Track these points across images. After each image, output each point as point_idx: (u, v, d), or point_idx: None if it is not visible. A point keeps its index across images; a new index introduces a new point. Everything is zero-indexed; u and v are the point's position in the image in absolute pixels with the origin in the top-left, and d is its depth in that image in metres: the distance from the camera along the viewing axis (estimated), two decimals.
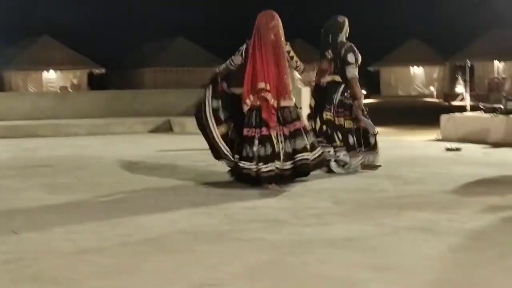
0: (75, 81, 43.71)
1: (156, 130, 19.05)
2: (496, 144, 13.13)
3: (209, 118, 8.76)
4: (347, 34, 9.74)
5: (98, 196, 7.97)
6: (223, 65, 8.97)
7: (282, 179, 8.38)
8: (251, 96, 8.48)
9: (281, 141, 8.40)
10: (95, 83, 43.38)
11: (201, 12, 49.70)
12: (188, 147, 13.78)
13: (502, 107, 14.31)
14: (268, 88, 8.39)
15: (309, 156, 8.52)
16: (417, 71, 44.86)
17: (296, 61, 8.87)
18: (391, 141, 11.91)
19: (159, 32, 45.01)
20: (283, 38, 8.66)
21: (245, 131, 8.47)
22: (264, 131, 8.38)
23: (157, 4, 50.34)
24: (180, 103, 22.23)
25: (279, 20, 8.68)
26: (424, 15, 47.20)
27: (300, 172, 8.63)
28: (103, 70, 44.18)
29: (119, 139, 16.33)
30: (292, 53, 8.77)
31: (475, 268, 4.79)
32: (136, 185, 8.74)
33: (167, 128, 19.32)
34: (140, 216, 6.73)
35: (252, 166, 8.30)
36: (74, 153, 12.94)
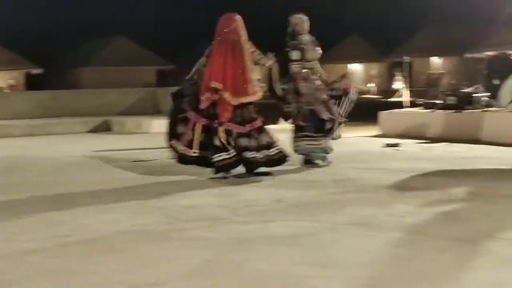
0: (12, 81, 43.12)
1: (95, 130, 18.88)
2: (434, 139, 13.27)
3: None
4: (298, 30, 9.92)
5: (37, 197, 7.84)
6: (194, 69, 9.38)
7: (232, 167, 8.90)
8: (206, 94, 8.86)
9: (233, 137, 8.87)
10: (32, 83, 42.80)
11: (142, 10, 49.39)
12: (127, 146, 13.68)
13: (440, 102, 14.46)
14: (222, 87, 8.82)
15: (257, 154, 8.94)
16: (356, 68, 45.21)
17: (260, 58, 9.21)
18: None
19: (98, 31, 44.62)
20: (244, 38, 9.05)
21: (204, 121, 8.94)
22: (216, 123, 8.85)
23: (96, 3, 49.92)
24: (119, 102, 22.11)
25: (241, 21, 9.10)
26: (363, 11, 47.55)
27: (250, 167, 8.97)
28: (40, 70, 43.63)
29: (57, 139, 16.15)
30: (256, 51, 9.17)
31: (414, 263, 4.81)
32: (74, 185, 8.63)
33: (106, 128, 19.17)
34: (80, 216, 6.65)
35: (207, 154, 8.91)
36: (10, 154, 12.74)
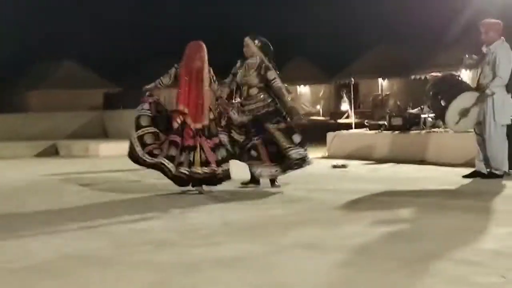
0: None
1: (42, 154, 18.72)
2: (381, 160, 13.39)
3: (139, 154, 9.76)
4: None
5: None
6: (152, 84, 10.03)
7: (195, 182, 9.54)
8: (180, 117, 9.50)
9: (193, 152, 9.48)
10: None
11: (90, 33, 49.13)
12: (73, 170, 13.57)
13: (386, 123, 14.59)
14: (186, 111, 9.48)
15: (201, 170, 9.47)
16: (303, 90, 45.38)
17: (217, 89, 9.93)
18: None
19: (44, 54, 44.21)
20: (206, 64, 9.66)
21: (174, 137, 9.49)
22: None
23: (43, 26, 49.54)
24: (67, 126, 21.97)
25: (205, 49, 9.69)
26: (308, 33, 47.84)
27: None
28: None
29: (3, 164, 15.95)
30: (214, 78, 9.85)
31: (362, 284, 4.82)
32: (20, 210, 8.54)
33: (53, 152, 19.01)
34: (25, 240, 6.55)
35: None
36: None
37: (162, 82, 9.94)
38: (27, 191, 10.53)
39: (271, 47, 10.19)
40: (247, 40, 10.08)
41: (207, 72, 9.69)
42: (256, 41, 10.06)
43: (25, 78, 44.15)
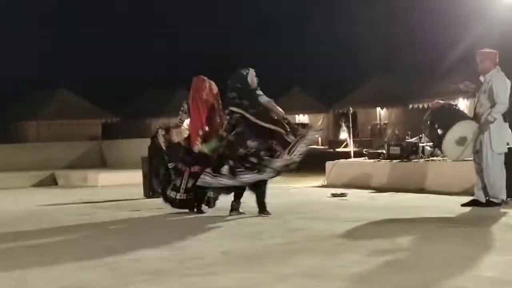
0: None
1: (40, 184, 18.69)
2: (380, 189, 13.38)
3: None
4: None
5: None
6: (173, 122, 11.17)
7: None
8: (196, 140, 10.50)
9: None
10: None
11: (83, 63, 49.31)
12: (73, 200, 13.54)
13: (385, 152, 14.60)
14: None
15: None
16: (302, 119, 45.49)
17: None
18: (279, 188, 12.01)
19: (40, 84, 44.26)
20: (214, 97, 10.71)
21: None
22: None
23: (39, 56, 49.71)
24: (65, 156, 21.92)
25: (208, 83, 10.71)
26: (307, 63, 48.05)
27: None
28: None
29: (0, 194, 15.91)
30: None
31: None
32: (17, 241, 8.51)
33: (51, 182, 18.98)
34: (23, 272, 6.52)
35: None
36: None
37: (182, 119, 10.93)
38: (24, 221, 10.49)
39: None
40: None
41: (216, 105, 10.70)
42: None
43: (21, 109, 44.12)
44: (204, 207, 10.66)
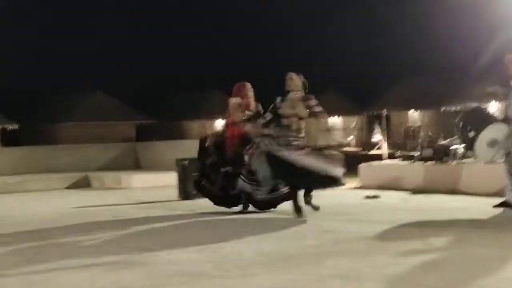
0: None
1: (74, 186, 18.79)
2: (413, 191, 13.37)
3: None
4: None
5: (10, 255, 7.78)
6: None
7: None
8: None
9: None
10: (8, 139, 42.22)
11: (119, 65, 49.49)
12: (107, 202, 13.63)
13: (418, 154, 14.59)
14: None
15: None
16: (335, 121, 45.40)
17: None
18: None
19: (75, 86, 44.51)
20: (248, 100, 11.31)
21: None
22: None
23: (73, 57, 49.97)
24: (99, 157, 22.03)
25: (248, 87, 11.36)
26: (340, 65, 47.92)
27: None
28: (16, 126, 43.18)
29: (35, 196, 16.03)
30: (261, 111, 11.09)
31: None
32: (51, 243, 8.55)
33: (85, 184, 19.07)
34: (59, 275, 6.57)
35: None
36: None
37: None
38: (58, 223, 10.52)
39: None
40: (291, 74, 10.43)
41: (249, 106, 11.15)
42: (301, 76, 10.49)
43: (55, 110, 44.36)
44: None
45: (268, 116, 10.36)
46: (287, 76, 10.40)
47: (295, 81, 10.36)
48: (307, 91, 10.44)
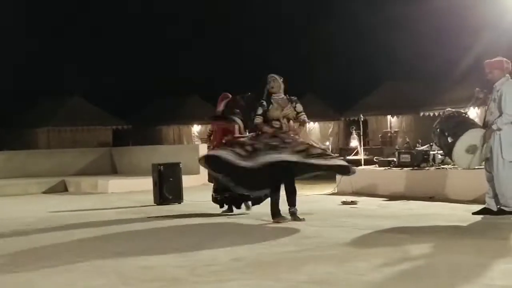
0: None
1: (51, 190, 18.73)
2: (390, 197, 13.36)
3: None
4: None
5: None
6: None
7: None
8: None
9: None
10: None
11: (94, 70, 49.37)
12: (83, 207, 13.56)
13: (395, 160, 14.58)
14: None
15: None
16: (312, 126, 45.45)
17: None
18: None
19: (52, 91, 44.34)
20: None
21: None
22: None
23: (49, 63, 49.76)
24: (75, 162, 21.99)
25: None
26: (318, 70, 48.00)
27: None
28: None
29: (12, 200, 15.98)
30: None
31: None
32: (28, 247, 8.52)
33: (62, 188, 19.02)
34: (35, 279, 6.52)
35: None
36: None
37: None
38: (34, 228, 10.51)
39: None
40: (275, 76, 10.50)
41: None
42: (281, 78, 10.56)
43: (32, 116, 44.21)
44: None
45: (259, 119, 10.34)
46: (269, 77, 10.45)
47: (278, 83, 10.40)
48: (287, 93, 10.49)
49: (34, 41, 49.71)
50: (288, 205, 10.21)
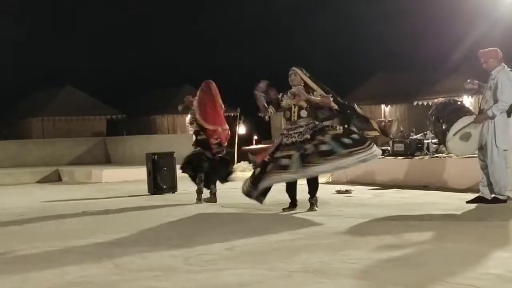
0: None
1: (45, 180, 18.73)
2: (385, 186, 13.36)
3: None
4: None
5: None
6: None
7: None
8: None
9: None
10: None
11: (89, 60, 49.26)
12: (77, 196, 13.55)
13: (390, 149, 14.58)
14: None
15: None
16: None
17: None
18: (283, 185, 11.94)
19: (46, 81, 44.25)
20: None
21: None
22: None
23: (42, 53, 49.64)
24: (69, 152, 21.98)
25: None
26: (311, 59, 48.02)
27: None
28: None
29: (6, 190, 15.97)
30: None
31: None
32: (22, 236, 8.51)
33: (56, 178, 19.02)
34: (29, 268, 6.50)
35: None
36: None
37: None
38: (28, 217, 10.50)
39: None
40: (293, 69, 10.45)
41: None
42: (304, 71, 10.52)
43: (26, 106, 44.13)
44: None
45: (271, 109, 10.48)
46: (290, 71, 10.45)
47: (297, 76, 10.38)
48: (314, 81, 10.51)
49: (26, 29, 49.57)
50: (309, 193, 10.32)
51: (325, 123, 10.25)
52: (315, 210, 10.02)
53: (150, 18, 51.95)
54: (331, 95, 10.43)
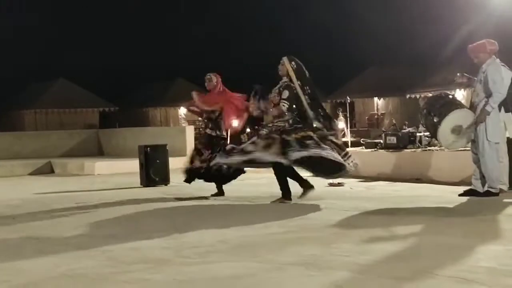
0: None
1: (37, 172, 18.69)
2: (377, 179, 13.38)
3: None
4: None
5: None
6: None
7: None
8: None
9: None
10: None
11: (82, 52, 49.19)
12: (70, 188, 13.53)
13: (382, 142, 14.59)
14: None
15: None
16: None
17: None
18: (274, 178, 11.99)
19: (40, 74, 44.21)
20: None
21: None
22: None
23: (37, 46, 49.60)
24: (62, 144, 21.95)
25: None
26: (305, 52, 48.06)
27: None
28: None
29: None
30: None
31: None
32: (14, 229, 8.49)
33: (48, 170, 18.99)
34: (20, 260, 6.51)
35: None
36: None
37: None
38: (21, 210, 10.48)
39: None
40: (282, 60, 10.34)
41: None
42: (293, 63, 10.31)
43: (19, 98, 44.09)
44: None
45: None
46: (281, 60, 10.36)
47: (284, 68, 10.30)
48: (298, 76, 10.32)
49: (22, 22, 49.54)
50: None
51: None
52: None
53: (144, 12, 51.91)
54: (309, 91, 10.32)
